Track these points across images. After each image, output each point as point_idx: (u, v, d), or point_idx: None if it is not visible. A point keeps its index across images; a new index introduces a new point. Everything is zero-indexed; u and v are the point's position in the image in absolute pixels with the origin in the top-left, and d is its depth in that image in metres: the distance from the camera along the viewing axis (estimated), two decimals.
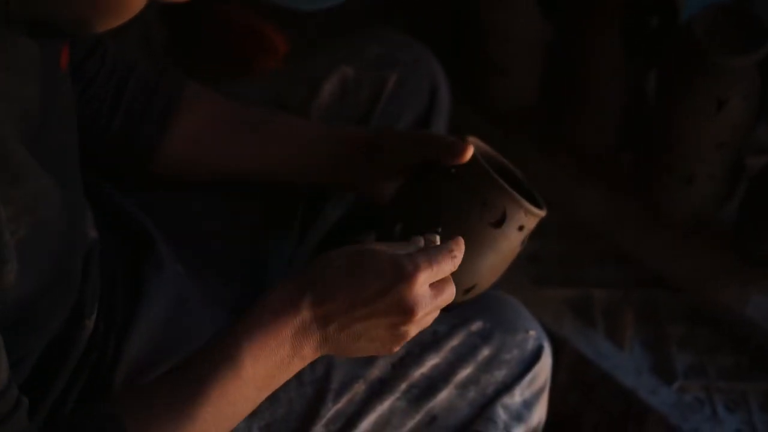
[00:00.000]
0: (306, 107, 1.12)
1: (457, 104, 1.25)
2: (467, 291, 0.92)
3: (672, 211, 1.48)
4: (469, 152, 0.89)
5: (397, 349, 0.80)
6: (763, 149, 1.56)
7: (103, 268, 0.91)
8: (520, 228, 0.90)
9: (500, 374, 0.98)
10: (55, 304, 0.79)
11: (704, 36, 1.26)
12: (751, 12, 1.28)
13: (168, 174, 1.02)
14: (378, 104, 1.13)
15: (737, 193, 1.45)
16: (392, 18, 1.70)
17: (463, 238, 0.86)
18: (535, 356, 1.00)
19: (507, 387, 0.98)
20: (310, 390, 0.93)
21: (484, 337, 0.98)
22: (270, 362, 0.76)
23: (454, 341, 0.97)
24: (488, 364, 0.98)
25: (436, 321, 0.95)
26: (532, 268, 1.51)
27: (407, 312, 0.77)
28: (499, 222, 0.89)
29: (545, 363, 1.02)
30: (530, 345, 1.00)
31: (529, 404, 1.00)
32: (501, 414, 0.96)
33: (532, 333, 1.01)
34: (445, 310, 0.96)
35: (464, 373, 0.97)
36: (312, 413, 0.92)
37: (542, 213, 0.91)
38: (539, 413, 1.02)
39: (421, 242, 0.82)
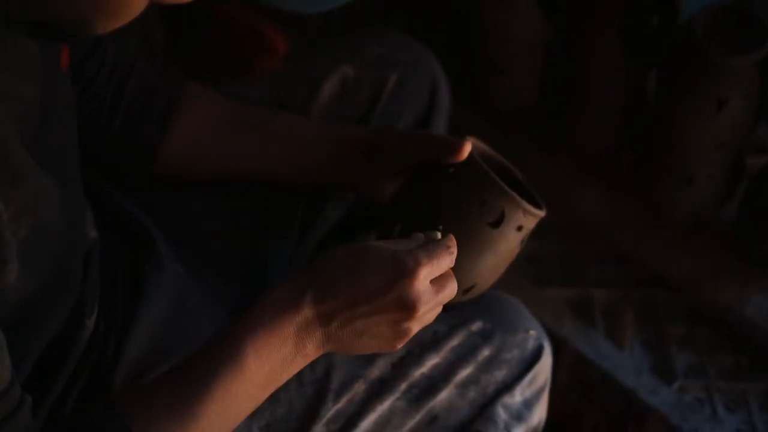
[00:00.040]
0: (306, 107, 1.12)
1: (457, 104, 1.26)
2: (466, 291, 0.92)
3: (672, 211, 1.48)
4: (466, 150, 0.89)
5: (400, 346, 0.80)
6: (763, 149, 1.56)
7: (103, 268, 0.91)
8: (519, 228, 0.90)
9: (500, 374, 0.98)
10: (55, 304, 0.79)
11: (704, 36, 1.26)
12: (751, 12, 1.28)
13: (168, 174, 1.02)
14: (378, 104, 1.13)
15: (737, 193, 1.45)
16: (392, 18, 1.70)
17: (462, 238, 0.86)
18: (536, 356, 1.00)
19: (507, 387, 0.98)
20: (310, 390, 0.93)
21: (484, 336, 0.98)
22: (273, 360, 0.76)
23: (455, 341, 0.97)
24: (488, 364, 0.98)
25: (436, 321, 0.95)
26: (532, 268, 1.51)
27: (409, 308, 0.77)
28: (498, 222, 0.89)
29: (545, 363, 1.02)
30: (530, 345, 1.00)
31: (529, 404, 1.00)
32: (501, 414, 0.96)
33: (532, 333, 1.01)
34: (445, 310, 0.97)
35: (464, 372, 0.96)
36: (312, 413, 0.92)
37: (541, 213, 0.91)
38: (539, 413, 1.02)
39: (422, 238, 0.82)
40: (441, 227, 0.85)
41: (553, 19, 1.52)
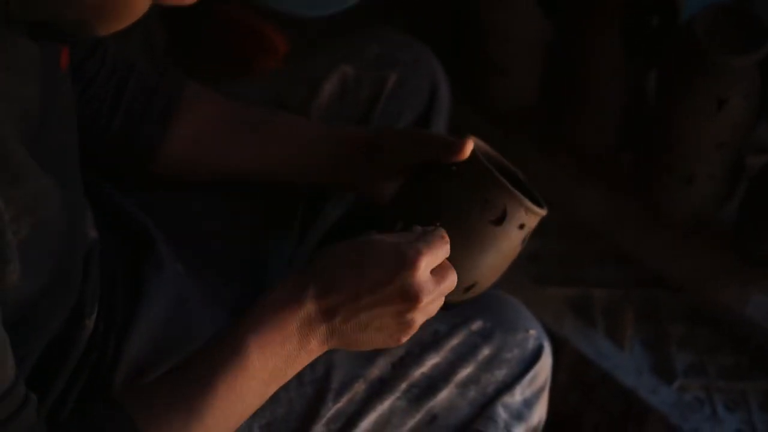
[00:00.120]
0: (306, 107, 1.12)
1: (457, 104, 1.25)
2: (467, 289, 0.92)
3: (672, 211, 1.48)
4: (469, 148, 0.89)
5: (405, 339, 0.80)
6: (763, 149, 1.56)
7: (103, 267, 0.91)
8: (521, 226, 0.90)
9: (501, 373, 0.98)
10: (55, 304, 0.79)
11: (704, 36, 1.26)
12: (752, 12, 1.28)
13: (168, 174, 1.02)
14: (378, 104, 1.13)
15: (737, 193, 1.45)
16: (392, 18, 1.70)
17: (464, 235, 0.86)
18: (536, 355, 1.00)
19: (507, 386, 0.98)
20: (310, 389, 0.93)
21: (484, 336, 0.98)
22: (277, 356, 0.76)
23: (455, 340, 0.97)
24: (489, 364, 0.98)
25: (437, 320, 0.96)
26: (532, 267, 1.51)
27: (412, 298, 0.77)
28: (500, 220, 0.89)
29: (545, 362, 1.02)
30: (530, 344, 1.00)
31: (529, 403, 1.00)
32: (501, 413, 0.96)
33: (532, 332, 1.01)
34: (446, 309, 0.97)
35: (465, 372, 0.97)
36: (312, 413, 0.92)
37: (543, 212, 0.91)
38: (539, 412, 1.02)
39: (420, 230, 0.82)
40: (440, 223, 0.85)
41: (553, 19, 1.52)
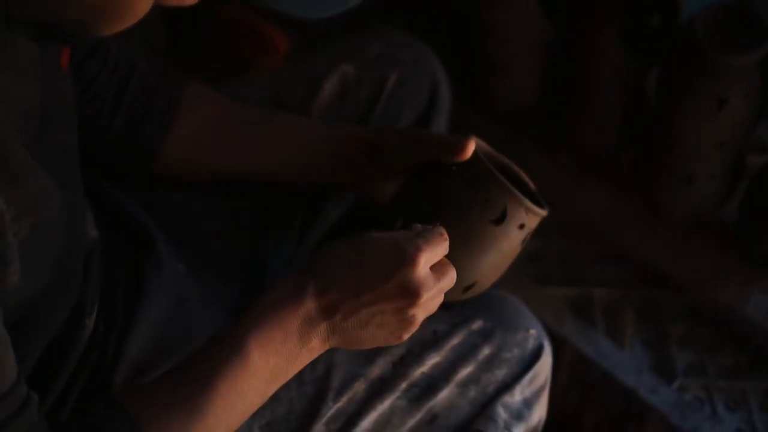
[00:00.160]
0: (306, 107, 1.12)
1: (457, 104, 1.25)
2: (467, 289, 0.92)
3: (672, 210, 1.48)
4: (471, 148, 0.89)
5: (407, 336, 0.80)
6: (763, 148, 1.56)
7: (104, 267, 0.91)
8: (521, 226, 0.90)
9: (501, 373, 0.98)
10: (55, 304, 0.79)
11: (705, 35, 1.26)
12: (752, 11, 1.28)
13: (168, 174, 1.02)
14: (378, 104, 1.13)
15: (738, 193, 1.45)
16: (392, 18, 1.70)
17: (464, 235, 0.86)
18: (536, 355, 1.00)
19: (507, 386, 0.98)
20: (310, 389, 0.93)
21: (484, 335, 0.98)
22: (278, 355, 0.76)
23: (455, 340, 0.97)
24: (489, 363, 0.98)
25: (437, 320, 0.96)
26: (532, 267, 1.51)
27: (412, 294, 0.77)
28: (500, 219, 0.89)
29: (545, 362, 1.02)
30: (531, 344, 1.00)
31: (529, 403, 1.00)
32: (501, 413, 0.96)
33: (532, 332, 1.01)
34: (446, 309, 0.97)
35: (465, 371, 0.97)
36: (312, 412, 0.92)
37: (543, 212, 0.91)
38: (539, 412, 1.02)
39: (419, 228, 0.82)
40: (439, 223, 0.85)
41: (553, 19, 1.52)
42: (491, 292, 0.98)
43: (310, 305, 0.77)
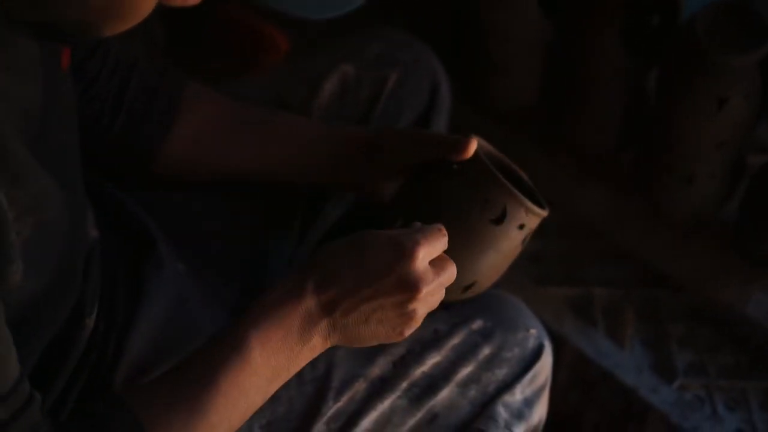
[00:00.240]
0: (306, 107, 1.12)
1: (457, 104, 1.26)
2: (467, 288, 0.92)
3: (672, 210, 1.48)
4: (473, 147, 0.90)
5: (408, 332, 0.80)
6: (763, 148, 1.56)
7: (104, 267, 0.91)
8: (521, 227, 0.90)
9: (501, 372, 0.98)
10: (56, 304, 0.79)
11: (705, 35, 1.26)
12: (752, 11, 1.28)
13: (168, 174, 1.02)
14: (378, 103, 1.13)
15: (738, 193, 1.45)
16: (392, 18, 1.70)
17: (464, 234, 0.86)
18: (536, 355, 1.00)
19: (508, 385, 0.98)
20: (310, 388, 0.93)
21: (485, 335, 0.98)
22: (279, 353, 0.77)
23: (455, 340, 0.97)
24: (489, 363, 0.98)
25: (437, 319, 0.96)
26: (532, 267, 1.51)
27: (412, 288, 0.77)
28: (500, 219, 0.89)
29: (546, 361, 1.02)
30: (531, 343, 1.00)
31: (529, 402, 1.00)
32: (502, 412, 0.97)
33: (532, 331, 1.01)
34: (445, 308, 0.97)
35: (465, 371, 0.97)
36: (313, 411, 0.92)
37: (543, 213, 0.91)
38: (540, 411, 1.02)
39: (418, 225, 0.82)
40: (440, 223, 0.85)
41: (553, 19, 1.52)
42: (491, 292, 0.98)
43: (310, 303, 0.77)
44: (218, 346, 0.77)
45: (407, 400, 0.95)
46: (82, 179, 0.85)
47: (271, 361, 0.77)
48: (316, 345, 0.78)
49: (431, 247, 0.79)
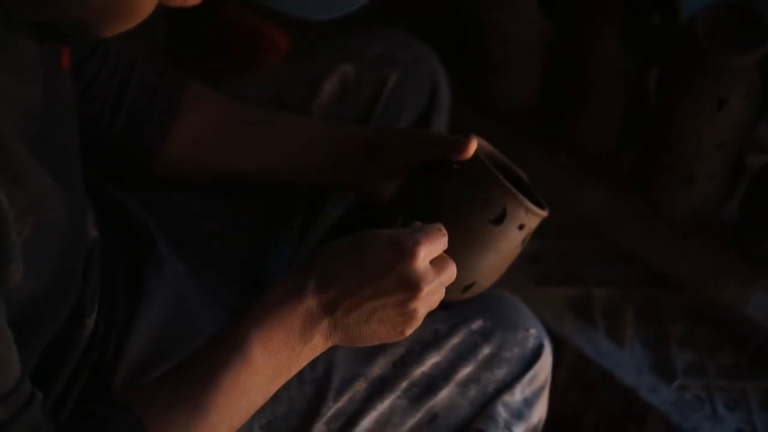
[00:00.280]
0: (306, 107, 1.12)
1: (457, 104, 1.25)
2: (466, 288, 0.92)
3: (672, 210, 1.48)
4: (473, 147, 0.90)
5: (409, 331, 0.80)
6: (763, 148, 1.56)
7: (104, 267, 0.91)
8: (521, 227, 0.90)
9: (501, 372, 0.98)
10: (56, 304, 0.79)
11: (705, 35, 1.26)
12: (752, 10, 1.28)
13: (168, 174, 1.02)
14: (378, 104, 1.13)
15: (738, 193, 1.45)
16: (393, 18, 1.70)
17: (463, 234, 0.86)
18: (536, 354, 1.00)
19: (507, 385, 0.98)
20: (310, 388, 0.93)
21: (484, 335, 0.98)
22: (280, 352, 0.77)
23: (455, 339, 0.97)
24: (489, 363, 0.98)
25: (437, 319, 0.96)
26: (532, 267, 1.51)
27: (413, 287, 0.77)
28: (499, 219, 0.89)
29: (546, 361, 1.02)
30: (531, 343, 1.00)
31: (529, 402, 1.00)
32: (502, 412, 0.97)
33: (532, 331, 1.01)
34: (445, 308, 0.97)
35: (465, 371, 0.97)
36: (313, 411, 0.93)
37: (543, 213, 0.91)
38: (540, 411, 1.02)
39: (418, 225, 0.82)
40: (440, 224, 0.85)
41: (553, 19, 1.52)
42: (491, 292, 0.98)
43: (311, 302, 0.77)
44: (219, 345, 0.77)
45: (407, 400, 0.95)
46: (82, 179, 0.85)
47: (273, 361, 0.77)
48: (317, 345, 0.78)
49: (432, 247, 0.79)
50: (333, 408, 0.93)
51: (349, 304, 0.77)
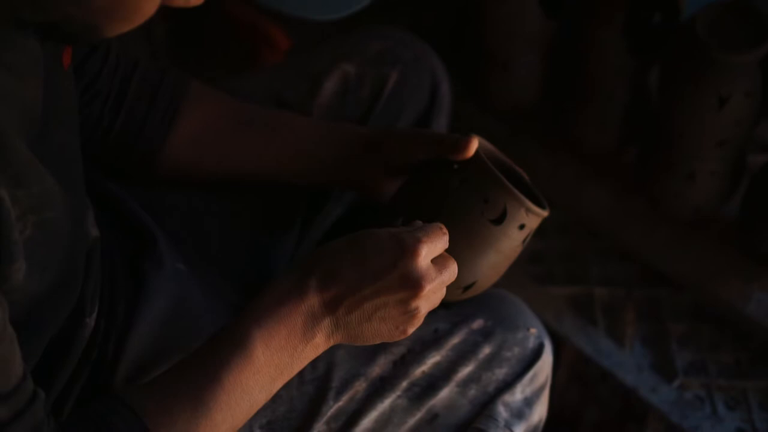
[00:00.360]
0: (307, 105, 1.11)
1: (459, 101, 1.25)
2: (467, 288, 0.92)
3: (674, 208, 1.48)
4: (474, 146, 0.89)
5: (411, 330, 0.80)
6: (765, 146, 1.56)
7: (104, 266, 0.91)
8: (521, 227, 0.90)
9: (501, 372, 0.98)
10: (57, 303, 0.79)
11: (707, 32, 1.26)
12: (754, 8, 1.28)
13: (169, 173, 1.02)
14: (379, 102, 1.13)
15: (739, 190, 1.45)
16: (395, 15, 1.70)
17: (464, 234, 0.86)
18: (536, 354, 1.00)
19: (508, 385, 0.98)
20: (311, 388, 0.93)
21: (485, 334, 0.98)
22: (282, 351, 0.76)
23: (455, 339, 0.97)
24: (489, 362, 0.98)
25: (438, 319, 0.95)
26: (533, 266, 1.51)
27: (415, 285, 0.77)
28: (500, 219, 0.89)
29: (546, 361, 1.02)
30: (531, 343, 1.00)
31: (530, 402, 1.00)
32: (502, 411, 0.97)
33: (533, 331, 1.01)
34: (446, 308, 0.96)
35: (465, 370, 0.97)
36: (313, 411, 0.93)
37: (544, 213, 0.91)
38: (540, 411, 1.02)
39: (419, 224, 0.82)
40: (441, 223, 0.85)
41: (554, 19, 1.52)
42: (492, 291, 0.98)
43: (313, 301, 0.77)
44: (221, 344, 0.77)
45: (407, 399, 0.95)
46: (83, 178, 0.85)
47: (275, 360, 0.77)
48: (319, 343, 0.78)
49: (433, 245, 0.78)
50: (333, 407, 0.93)
51: (350, 302, 0.77)
